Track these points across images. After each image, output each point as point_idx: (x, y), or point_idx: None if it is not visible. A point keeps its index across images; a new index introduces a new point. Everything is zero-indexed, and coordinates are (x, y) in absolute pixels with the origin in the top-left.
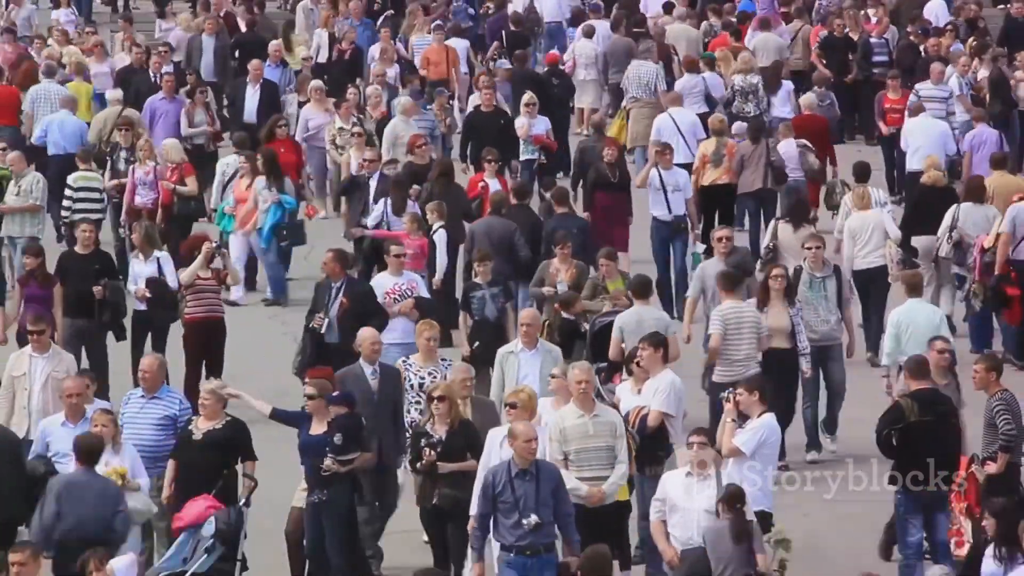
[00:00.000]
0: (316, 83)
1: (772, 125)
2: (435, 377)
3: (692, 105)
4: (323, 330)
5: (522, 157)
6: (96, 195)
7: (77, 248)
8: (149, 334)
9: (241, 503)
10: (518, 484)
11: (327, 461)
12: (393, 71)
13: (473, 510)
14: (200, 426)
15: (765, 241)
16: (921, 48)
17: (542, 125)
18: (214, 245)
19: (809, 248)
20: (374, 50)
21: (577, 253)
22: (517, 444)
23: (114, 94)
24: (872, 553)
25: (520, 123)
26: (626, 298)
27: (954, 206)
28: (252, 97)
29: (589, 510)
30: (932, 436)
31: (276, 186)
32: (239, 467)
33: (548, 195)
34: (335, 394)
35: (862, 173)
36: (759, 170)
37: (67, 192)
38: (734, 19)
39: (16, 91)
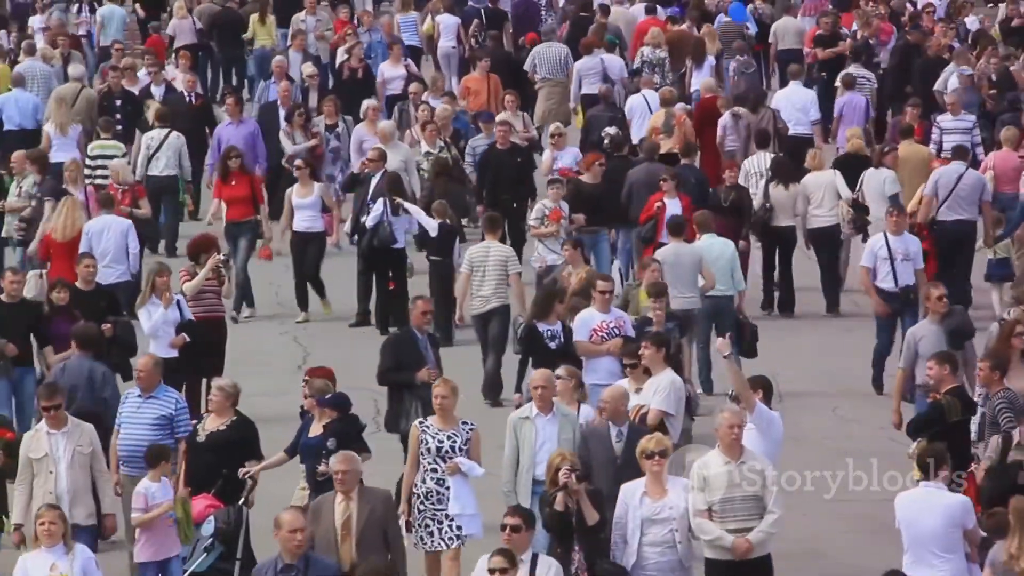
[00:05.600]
0: (371, 102)
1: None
2: (455, 441)
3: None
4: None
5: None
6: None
7: (79, 284)
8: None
9: (240, 502)
10: None
11: (321, 466)
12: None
13: None
14: (206, 427)
15: (757, 202)
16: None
17: (570, 156)
18: (221, 259)
19: None
20: (385, 69)
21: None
22: (281, 535)
23: (75, 71)
24: (872, 553)
25: (544, 156)
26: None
27: (865, 172)
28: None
29: (732, 564)
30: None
31: None
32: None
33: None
34: (327, 397)
35: (676, 228)
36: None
37: (86, 161)
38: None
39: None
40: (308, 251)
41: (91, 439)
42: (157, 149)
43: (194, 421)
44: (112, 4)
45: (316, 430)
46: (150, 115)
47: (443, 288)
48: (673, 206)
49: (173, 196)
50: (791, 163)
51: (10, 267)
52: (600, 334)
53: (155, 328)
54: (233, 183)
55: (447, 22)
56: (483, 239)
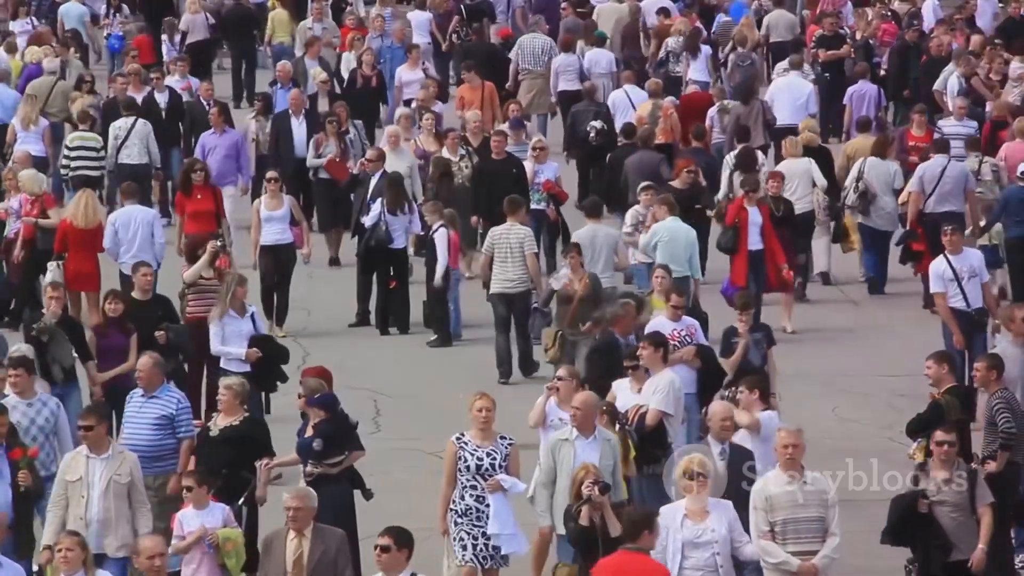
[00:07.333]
0: (404, 110)
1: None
2: (494, 459)
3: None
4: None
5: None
6: (93, 154)
7: (135, 294)
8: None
9: (240, 502)
10: None
11: (307, 467)
12: (439, 107)
13: None
14: (218, 422)
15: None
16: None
17: (550, 170)
18: (219, 245)
19: None
20: (402, 72)
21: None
22: (140, 561)
23: (50, 64)
24: (873, 553)
25: (526, 168)
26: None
27: (860, 160)
28: (299, 128)
29: None
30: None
31: None
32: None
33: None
34: (316, 397)
35: (593, 209)
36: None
37: (64, 152)
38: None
39: None
40: (277, 264)
41: (131, 468)
42: (125, 138)
43: (196, 421)
44: (74, 1)
45: (309, 431)
46: (74, 108)
47: (438, 288)
48: (755, 214)
49: (145, 185)
50: (755, 154)
51: (50, 282)
52: (672, 343)
53: (224, 340)
54: (198, 197)
55: (418, 19)
56: (503, 221)
